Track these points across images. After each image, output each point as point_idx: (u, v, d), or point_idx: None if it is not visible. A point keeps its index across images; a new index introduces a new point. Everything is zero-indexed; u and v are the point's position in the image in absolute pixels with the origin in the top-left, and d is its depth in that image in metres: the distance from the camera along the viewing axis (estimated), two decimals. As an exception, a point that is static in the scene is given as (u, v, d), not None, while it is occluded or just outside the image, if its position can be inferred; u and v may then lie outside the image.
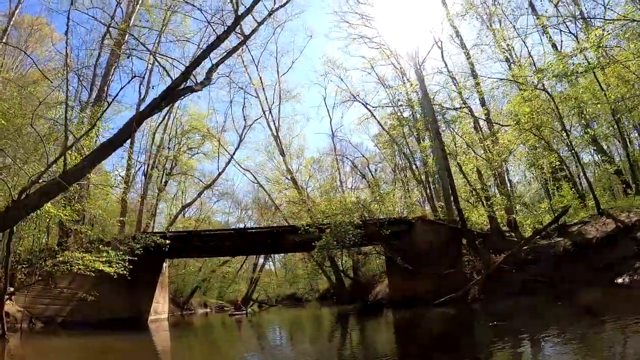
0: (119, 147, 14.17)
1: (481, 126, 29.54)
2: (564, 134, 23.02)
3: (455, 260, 22.86)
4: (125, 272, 19.36)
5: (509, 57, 28.10)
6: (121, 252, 20.20)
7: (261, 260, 58.83)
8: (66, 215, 18.65)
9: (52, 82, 23.27)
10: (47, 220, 21.39)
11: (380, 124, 40.88)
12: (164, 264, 29.48)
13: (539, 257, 19.94)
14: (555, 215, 21.82)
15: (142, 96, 27.38)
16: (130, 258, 20.61)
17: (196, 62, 15.35)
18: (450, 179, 24.31)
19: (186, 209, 46.04)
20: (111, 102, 20.11)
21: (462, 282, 21.04)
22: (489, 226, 26.94)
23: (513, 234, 26.15)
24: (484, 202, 25.68)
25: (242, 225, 52.34)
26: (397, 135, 40.00)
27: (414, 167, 39.95)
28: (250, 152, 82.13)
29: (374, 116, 40.38)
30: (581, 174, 27.57)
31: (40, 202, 12.75)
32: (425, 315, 18.82)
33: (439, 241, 23.70)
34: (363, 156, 50.53)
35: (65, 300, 21.78)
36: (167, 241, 22.72)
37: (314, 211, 26.00)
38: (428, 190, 36.53)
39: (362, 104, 40.23)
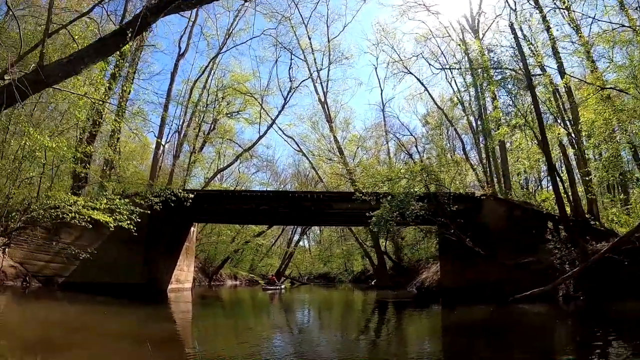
0: (123, 45, 9.40)
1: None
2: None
3: (535, 247, 17.55)
4: (131, 226, 14.81)
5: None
6: (129, 203, 15.54)
7: (296, 236, 54.66)
8: (64, 151, 13.95)
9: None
10: (52, 163, 17.05)
11: (433, 99, 35.91)
12: (192, 229, 25.06)
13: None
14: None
15: None
16: (144, 212, 16.10)
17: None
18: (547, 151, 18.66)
19: (223, 176, 41.79)
20: None
21: (546, 274, 15.96)
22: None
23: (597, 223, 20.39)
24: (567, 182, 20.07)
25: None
26: (450, 113, 35.55)
27: (467, 149, 35.60)
28: (294, 118, 75.88)
29: (427, 91, 35.19)
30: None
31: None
32: (504, 313, 14.01)
33: (512, 224, 18.89)
34: (411, 134, 44.99)
35: (69, 258, 17.56)
36: (191, 195, 18.08)
37: (375, 176, 20.74)
38: (488, 171, 30.76)
39: (416, 77, 35.69)
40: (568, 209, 21.95)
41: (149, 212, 16.75)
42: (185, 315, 14.08)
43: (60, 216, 14.25)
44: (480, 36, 28.75)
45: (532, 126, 22.16)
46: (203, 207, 20.72)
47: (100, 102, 15.85)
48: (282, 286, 36.13)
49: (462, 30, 31.63)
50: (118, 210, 14.60)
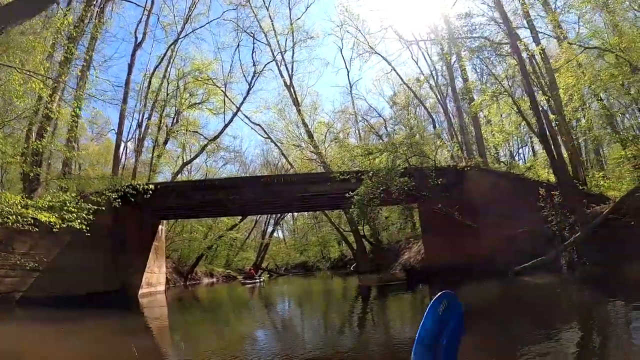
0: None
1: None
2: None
3: (525, 217, 16.24)
4: (83, 226, 12.85)
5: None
6: (80, 200, 13.56)
7: (270, 227, 52.90)
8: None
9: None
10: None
11: (401, 78, 34.67)
12: (161, 227, 23.09)
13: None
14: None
15: None
16: (104, 213, 14.18)
17: None
18: (547, 118, 17.47)
19: (190, 171, 39.64)
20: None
21: (542, 243, 15.00)
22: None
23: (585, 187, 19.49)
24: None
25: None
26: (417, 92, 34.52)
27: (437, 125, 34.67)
28: (260, 106, 73.08)
29: (395, 70, 33.79)
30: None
31: None
32: (512, 288, 12.99)
33: (498, 194, 17.62)
34: (380, 116, 43.82)
35: (26, 271, 15.38)
36: (151, 186, 16.20)
37: (354, 150, 19.21)
38: (464, 147, 29.67)
39: (382, 57, 34.03)
40: (552, 176, 21.12)
41: (103, 208, 14.67)
42: (159, 324, 12.31)
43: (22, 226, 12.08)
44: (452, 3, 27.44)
45: (511, 93, 21.19)
46: (169, 202, 18.86)
47: (51, 80, 13.70)
48: (261, 279, 34.54)
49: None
50: (66, 208, 12.49)
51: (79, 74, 19.81)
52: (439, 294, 3.24)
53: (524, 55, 19.21)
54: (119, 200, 15.12)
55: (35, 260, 15.27)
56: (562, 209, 16.07)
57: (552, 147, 17.54)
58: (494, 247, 16.10)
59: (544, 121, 17.86)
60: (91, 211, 13.43)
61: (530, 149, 36.36)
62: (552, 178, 20.83)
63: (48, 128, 16.97)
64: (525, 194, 17.36)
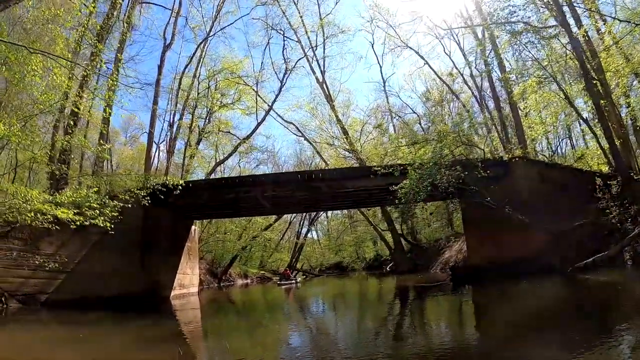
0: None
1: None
2: None
3: (580, 210, 14.79)
4: (106, 223, 11.86)
5: None
6: (104, 197, 12.63)
7: (304, 228, 51.90)
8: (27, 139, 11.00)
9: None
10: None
11: (435, 72, 33.54)
12: (193, 228, 22.19)
13: None
14: None
15: None
16: (134, 214, 13.36)
17: None
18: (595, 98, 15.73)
19: (223, 172, 38.86)
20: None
21: (600, 237, 13.78)
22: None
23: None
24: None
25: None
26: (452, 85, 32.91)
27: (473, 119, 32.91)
28: (292, 104, 72.34)
29: (428, 64, 32.52)
30: None
31: None
32: (578, 286, 11.69)
33: (548, 186, 16.14)
34: (414, 112, 42.03)
35: (53, 272, 14.67)
36: (181, 182, 15.24)
37: (398, 140, 17.80)
38: (504, 138, 27.80)
39: (414, 50, 32.60)
40: (604, 167, 19.28)
41: (129, 205, 13.75)
42: (192, 329, 11.20)
43: (17, 218, 11.20)
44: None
45: (556, 79, 19.48)
46: (202, 201, 17.89)
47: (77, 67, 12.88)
48: (297, 280, 33.63)
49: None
50: (87, 204, 11.53)
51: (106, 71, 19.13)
52: None
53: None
54: (148, 198, 14.13)
55: (62, 261, 14.55)
56: (622, 200, 14.45)
57: (612, 133, 15.79)
58: (545, 243, 14.59)
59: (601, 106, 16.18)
60: (117, 209, 12.48)
61: (569, 141, 34.18)
62: (604, 168, 19.14)
63: (75, 124, 16.17)
64: (578, 185, 15.91)
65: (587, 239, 13.78)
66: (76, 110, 14.88)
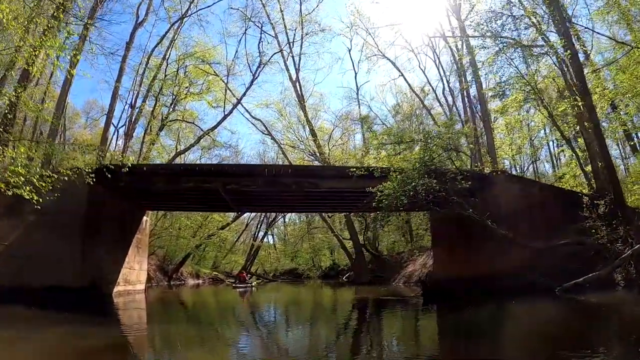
0: None
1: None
2: None
3: (562, 228, 14.02)
4: (33, 195, 9.65)
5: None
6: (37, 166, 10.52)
7: (261, 232, 49.91)
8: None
9: None
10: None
11: (409, 85, 33.30)
12: (145, 218, 19.92)
13: None
14: None
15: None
16: (76, 191, 11.20)
17: None
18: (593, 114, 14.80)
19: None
20: None
21: (586, 256, 12.95)
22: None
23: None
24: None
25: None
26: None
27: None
28: (261, 100, 69.81)
29: (403, 76, 32.10)
30: None
31: None
32: (573, 307, 10.64)
33: (529, 203, 15.22)
34: (383, 123, 40.91)
35: (-28, 254, 12.30)
36: (131, 159, 13.25)
37: (384, 137, 16.21)
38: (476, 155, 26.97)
39: (390, 61, 32.00)
40: (584, 188, 18.64)
41: (72, 182, 11.59)
42: (135, 335, 9.05)
43: None
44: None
45: (541, 96, 18.74)
46: (156, 188, 15.77)
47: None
48: (253, 284, 31.80)
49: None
50: (12, 168, 9.29)
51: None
52: None
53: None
54: (93, 176, 11.93)
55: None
56: (610, 220, 13.59)
57: (602, 153, 14.91)
58: (525, 260, 13.69)
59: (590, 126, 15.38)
60: (54, 185, 10.33)
61: (534, 164, 34.10)
62: (583, 189, 18.52)
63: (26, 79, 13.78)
64: (560, 203, 15.30)
65: (570, 257, 12.85)
66: (26, 67, 12.56)
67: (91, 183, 12.07)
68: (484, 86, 24.80)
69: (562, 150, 28.50)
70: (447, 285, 17.26)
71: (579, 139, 20.58)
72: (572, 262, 12.71)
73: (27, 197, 9.50)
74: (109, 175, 12.57)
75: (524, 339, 7.25)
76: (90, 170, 12.00)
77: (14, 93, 12.33)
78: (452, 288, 16.51)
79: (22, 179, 9.25)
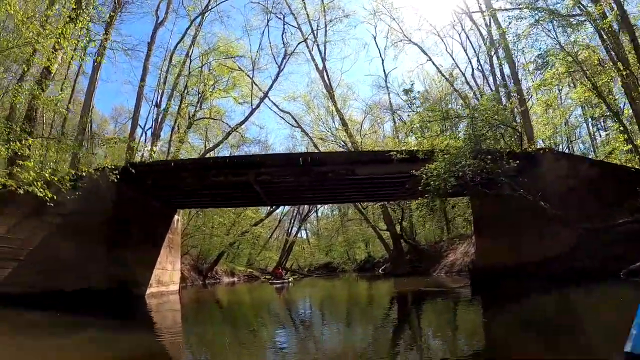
0: None
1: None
2: None
3: (614, 208, 12.38)
4: (46, 192, 8.82)
5: None
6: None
7: (294, 228, 49.15)
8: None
9: None
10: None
11: (438, 69, 30.72)
12: (176, 217, 19.14)
13: None
14: None
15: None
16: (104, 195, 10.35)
17: None
18: None
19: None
20: None
21: None
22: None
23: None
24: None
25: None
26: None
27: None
28: (288, 92, 68.14)
29: (431, 60, 30.06)
30: None
31: None
32: None
33: (579, 182, 13.55)
34: (414, 111, 39.14)
35: (2, 258, 11.66)
36: (154, 153, 12.52)
37: (426, 117, 14.76)
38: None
39: (417, 45, 30.02)
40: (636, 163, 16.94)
41: (83, 174, 10.74)
42: (170, 339, 8.12)
43: None
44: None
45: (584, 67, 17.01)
46: (185, 185, 14.84)
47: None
48: (289, 279, 31.19)
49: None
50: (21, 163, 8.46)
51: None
52: None
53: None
54: (117, 173, 11.07)
55: (12, 247, 11.52)
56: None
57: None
58: (578, 243, 12.30)
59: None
60: (76, 182, 9.51)
61: (579, 142, 32.02)
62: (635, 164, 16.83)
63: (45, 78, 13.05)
64: (613, 180, 13.48)
65: (628, 238, 11.31)
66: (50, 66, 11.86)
67: (115, 181, 11.26)
68: (516, 65, 23.15)
69: (598, 130, 26.54)
70: (495, 274, 15.90)
71: (626, 111, 18.91)
72: (630, 242, 11.26)
73: (40, 195, 8.66)
74: (134, 172, 11.72)
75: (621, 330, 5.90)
76: (113, 167, 11.16)
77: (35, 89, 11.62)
78: (501, 276, 15.17)
79: (33, 174, 8.41)
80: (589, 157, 25.44)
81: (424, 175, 11.77)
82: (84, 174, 11.58)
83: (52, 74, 14.75)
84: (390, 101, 34.97)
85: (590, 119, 29.37)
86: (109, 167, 11.63)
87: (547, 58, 17.48)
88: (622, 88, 17.06)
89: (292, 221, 48.53)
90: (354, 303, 15.80)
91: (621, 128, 18.85)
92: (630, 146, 18.49)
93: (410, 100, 18.63)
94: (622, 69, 15.16)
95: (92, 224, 13.12)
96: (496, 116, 12.86)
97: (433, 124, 14.98)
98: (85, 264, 12.86)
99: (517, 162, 13.00)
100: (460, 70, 31.11)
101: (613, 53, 17.05)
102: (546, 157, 14.87)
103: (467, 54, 29.77)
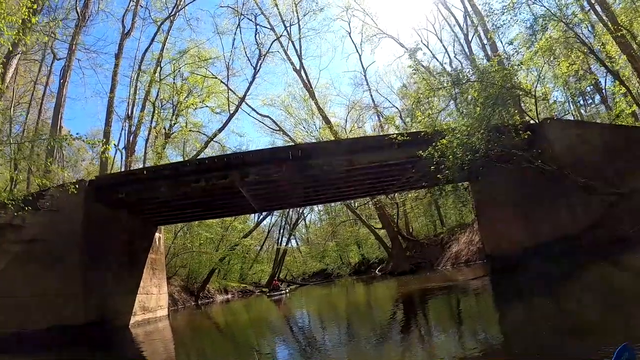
0: None
1: None
2: None
3: (632, 172, 11.10)
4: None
5: None
6: None
7: (284, 238, 47.22)
8: None
9: None
10: None
11: (417, 60, 29.13)
12: (158, 235, 17.15)
13: None
14: None
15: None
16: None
17: None
18: None
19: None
20: None
21: None
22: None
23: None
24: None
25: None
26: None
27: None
28: (266, 95, 64.41)
29: (406, 49, 28.27)
30: None
31: None
32: None
33: (591, 149, 12.20)
34: (394, 106, 37.81)
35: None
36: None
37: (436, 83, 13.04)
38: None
39: (393, 38, 29.83)
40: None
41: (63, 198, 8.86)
42: None
43: None
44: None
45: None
46: (161, 194, 12.79)
47: None
48: (286, 290, 30.11)
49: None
50: None
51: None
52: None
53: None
54: (79, 188, 9.20)
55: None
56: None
57: None
58: (600, 214, 11.19)
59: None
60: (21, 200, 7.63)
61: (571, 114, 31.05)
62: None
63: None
64: (625, 144, 12.03)
65: None
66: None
67: (82, 198, 9.37)
68: (498, 47, 21.85)
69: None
70: (514, 258, 14.33)
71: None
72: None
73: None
74: (102, 186, 9.83)
75: None
76: (74, 182, 9.27)
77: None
78: (521, 259, 13.61)
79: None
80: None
81: (435, 154, 10.14)
82: (45, 192, 9.64)
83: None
84: (370, 94, 33.45)
85: (570, 99, 28.45)
86: (70, 182, 9.69)
87: (537, 27, 16.17)
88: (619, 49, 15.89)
89: (282, 231, 46.65)
90: (366, 312, 14.08)
91: (620, 92, 17.68)
92: (634, 107, 17.33)
93: (415, 65, 16.83)
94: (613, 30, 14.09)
95: (60, 249, 11.17)
96: (506, 77, 11.31)
97: (433, 101, 13.39)
98: (56, 297, 10.88)
99: (528, 133, 11.61)
100: (438, 61, 30.20)
101: (604, 16, 15.96)
102: (552, 126, 13.60)
103: (443, 44, 29.36)
